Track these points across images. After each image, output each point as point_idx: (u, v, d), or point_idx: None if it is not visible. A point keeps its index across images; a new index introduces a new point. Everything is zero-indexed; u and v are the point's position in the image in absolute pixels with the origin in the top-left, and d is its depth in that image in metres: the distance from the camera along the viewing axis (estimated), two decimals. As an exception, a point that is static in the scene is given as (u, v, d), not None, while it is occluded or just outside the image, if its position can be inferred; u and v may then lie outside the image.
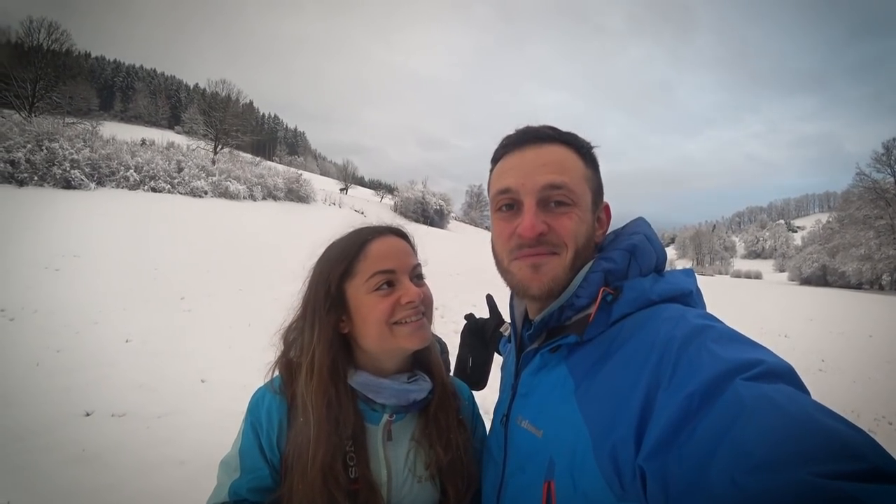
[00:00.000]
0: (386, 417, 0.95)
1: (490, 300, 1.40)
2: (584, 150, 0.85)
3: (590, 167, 0.86)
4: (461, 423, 1.03)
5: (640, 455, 0.58)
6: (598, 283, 0.77)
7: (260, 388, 0.97)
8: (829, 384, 6.94)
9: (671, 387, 0.59)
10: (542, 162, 0.81)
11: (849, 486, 0.38)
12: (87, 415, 3.78)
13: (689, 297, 0.80)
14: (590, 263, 0.81)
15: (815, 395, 0.54)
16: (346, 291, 0.94)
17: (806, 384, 0.57)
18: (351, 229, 1.00)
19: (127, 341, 5.70)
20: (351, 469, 0.88)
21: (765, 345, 0.62)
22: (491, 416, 0.99)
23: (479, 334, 1.34)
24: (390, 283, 0.92)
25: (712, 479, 0.46)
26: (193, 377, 4.80)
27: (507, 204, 0.83)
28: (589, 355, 0.75)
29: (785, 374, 0.56)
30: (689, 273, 0.83)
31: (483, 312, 1.42)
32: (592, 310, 0.76)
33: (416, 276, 0.97)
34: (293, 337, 0.99)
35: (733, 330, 0.66)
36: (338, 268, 0.94)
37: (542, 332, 0.84)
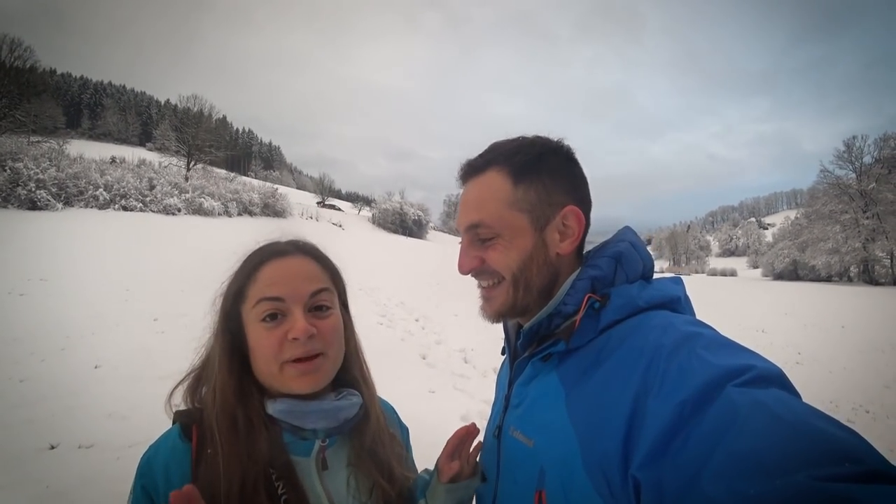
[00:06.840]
0: (318, 444, 0.84)
1: None
2: (516, 168, 0.81)
3: (521, 185, 0.80)
4: (392, 436, 0.95)
5: (633, 464, 0.57)
6: (584, 290, 0.77)
7: (151, 446, 0.82)
8: (807, 376, 7.12)
9: (661, 395, 0.58)
10: (463, 202, 0.85)
11: (848, 487, 0.39)
12: (52, 448, 3.57)
13: (678, 304, 0.80)
14: (577, 271, 0.82)
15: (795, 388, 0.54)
16: (241, 315, 0.84)
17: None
18: (256, 246, 0.90)
19: (96, 367, 5.44)
20: None
21: (745, 342, 0.63)
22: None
23: None
24: (281, 313, 0.81)
25: (708, 486, 0.46)
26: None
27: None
28: (579, 363, 0.75)
29: (776, 379, 0.56)
30: (677, 280, 0.84)
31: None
32: (578, 316, 0.75)
33: (316, 307, 0.84)
34: (205, 358, 0.89)
35: (723, 336, 0.66)
36: (232, 286, 0.85)
37: (532, 340, 0.84)
